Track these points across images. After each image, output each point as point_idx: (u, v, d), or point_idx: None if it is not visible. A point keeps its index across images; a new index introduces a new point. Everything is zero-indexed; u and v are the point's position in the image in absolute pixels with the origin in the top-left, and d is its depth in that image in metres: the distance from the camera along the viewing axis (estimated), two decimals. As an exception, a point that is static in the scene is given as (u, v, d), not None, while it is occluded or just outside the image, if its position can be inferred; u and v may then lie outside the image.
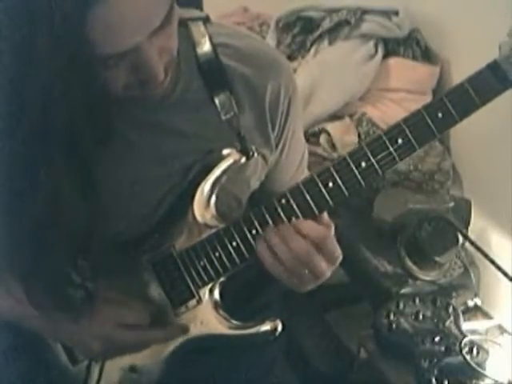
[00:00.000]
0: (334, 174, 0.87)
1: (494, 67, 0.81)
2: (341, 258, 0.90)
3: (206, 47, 0.97)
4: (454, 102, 0.83)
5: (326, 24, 1.90)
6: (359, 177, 0.86)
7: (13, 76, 0.73)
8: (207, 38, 0.97)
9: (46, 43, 0.70)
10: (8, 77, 0.74)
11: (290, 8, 1.98)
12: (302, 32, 1.96)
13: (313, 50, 1.91)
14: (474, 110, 0.83)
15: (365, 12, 1.86)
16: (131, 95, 0.86)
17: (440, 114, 0.83)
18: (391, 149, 0.85)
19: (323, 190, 0.88)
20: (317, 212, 0.89)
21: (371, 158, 0.85)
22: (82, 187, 0.85)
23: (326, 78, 1.80)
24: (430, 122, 0.83)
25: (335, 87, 1.80)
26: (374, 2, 1.89)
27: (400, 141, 0.84)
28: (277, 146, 1.04)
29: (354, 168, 0.86)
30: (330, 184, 0.87)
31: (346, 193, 0.87)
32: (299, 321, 1.72)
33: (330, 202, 0.88)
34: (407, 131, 0.84)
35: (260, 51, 1.01)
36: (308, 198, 0.89)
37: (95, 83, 0.78)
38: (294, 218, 0.90)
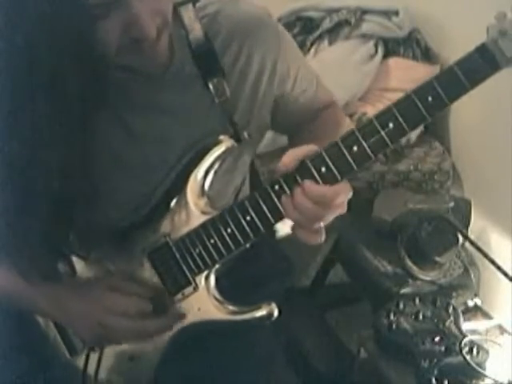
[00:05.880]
0: (326, 158, 0.86)
1: (482, 50, 0.81)
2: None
3: (197, 32, 0.98)
4: (444, 86, 0.83)
5: (326, 24, 1.91)
6: (351, 161, 0.86)
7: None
8: (198, 23, 0.98)
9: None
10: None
11: (290, 8, 1.98)
12: (301, 32, 1.96)
13: (313, 50, 1.91)
14: (464, 93, 0.82)
15: (365, 12, 1.86)
16: (126, 62, 0.87)
17: (430, 98, 0.83)
18: (382, 133, 0.84)
19: (316, 176, 0.87)
20: None
21: (363, 142, 0.85)
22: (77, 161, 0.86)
23: (325, 78, 1.80)
24: (420, 105, 0.83)
25: (335, 87, 1.79)
26: (374, 2, 1.89)
27: (391, 124, 0.84)
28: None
29: (345, 152, 0.86)
30: (323, 169, 0.87)
31: (339, 177, 0.86)
32: (299, 321, 1.72)
33: None
34: (398, 115, 0.84)
35: (249, 14, 1.02)
36: (301, 183, 0.88)
37: (89, 41, 0.79)
38: None
